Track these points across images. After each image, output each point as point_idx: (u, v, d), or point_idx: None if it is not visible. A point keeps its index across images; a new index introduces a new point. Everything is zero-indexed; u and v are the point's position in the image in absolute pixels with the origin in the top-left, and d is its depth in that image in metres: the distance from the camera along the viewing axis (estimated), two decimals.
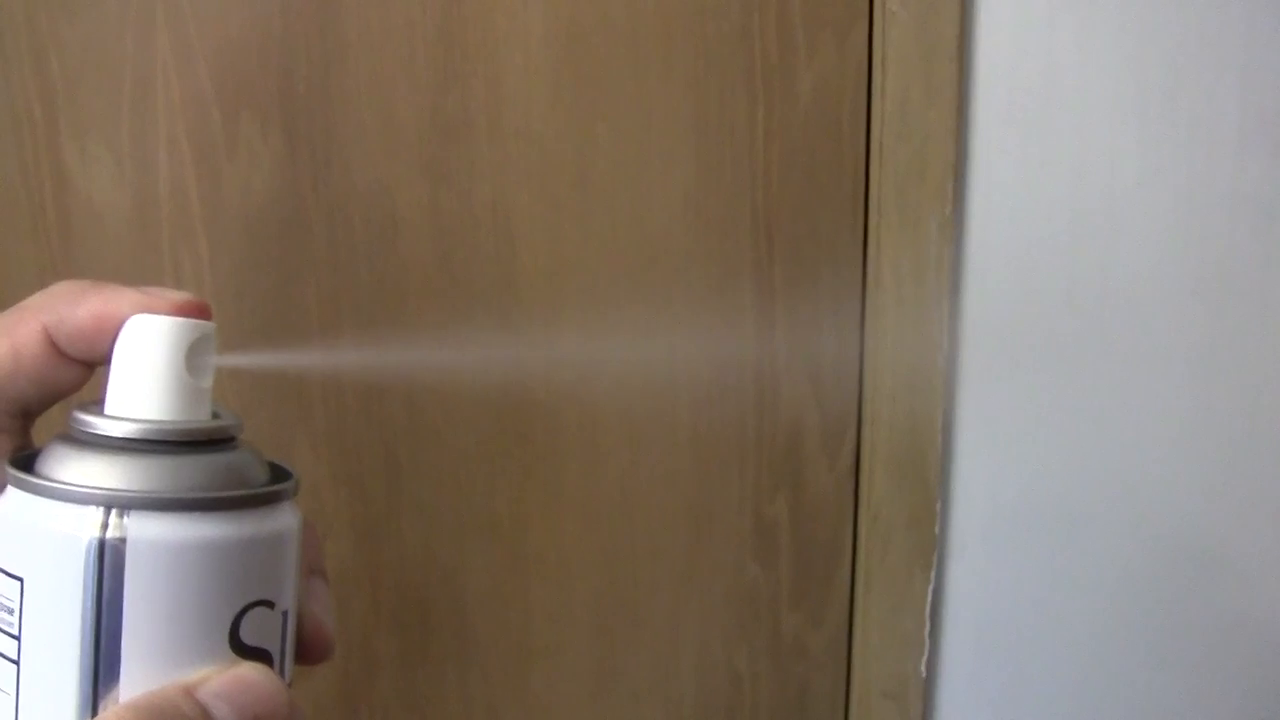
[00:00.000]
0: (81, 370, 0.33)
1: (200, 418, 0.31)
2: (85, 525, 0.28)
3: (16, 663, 0.28)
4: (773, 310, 0.75)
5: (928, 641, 0.79)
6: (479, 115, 0.73)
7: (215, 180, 0.73)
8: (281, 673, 0.31)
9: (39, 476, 0.29)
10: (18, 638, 0.28)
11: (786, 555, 0.78)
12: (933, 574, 0.78)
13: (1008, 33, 0.74)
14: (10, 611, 0.28)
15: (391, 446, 0.75)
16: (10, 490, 0.29)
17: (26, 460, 0.30)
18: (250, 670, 0.29)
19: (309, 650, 0.33)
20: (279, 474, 0.33)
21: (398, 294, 0.73)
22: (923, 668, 0.79)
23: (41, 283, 0.77)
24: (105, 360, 0.31)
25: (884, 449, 0.77)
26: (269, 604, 0.30)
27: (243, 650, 0.29)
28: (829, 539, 0.78)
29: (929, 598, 0.78)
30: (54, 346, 0.32)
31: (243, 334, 0.74)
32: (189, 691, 0.28)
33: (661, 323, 0.75)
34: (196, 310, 0.32)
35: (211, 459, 0.30)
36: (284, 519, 0.31)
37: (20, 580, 0.28)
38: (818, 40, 0.74)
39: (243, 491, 0.30)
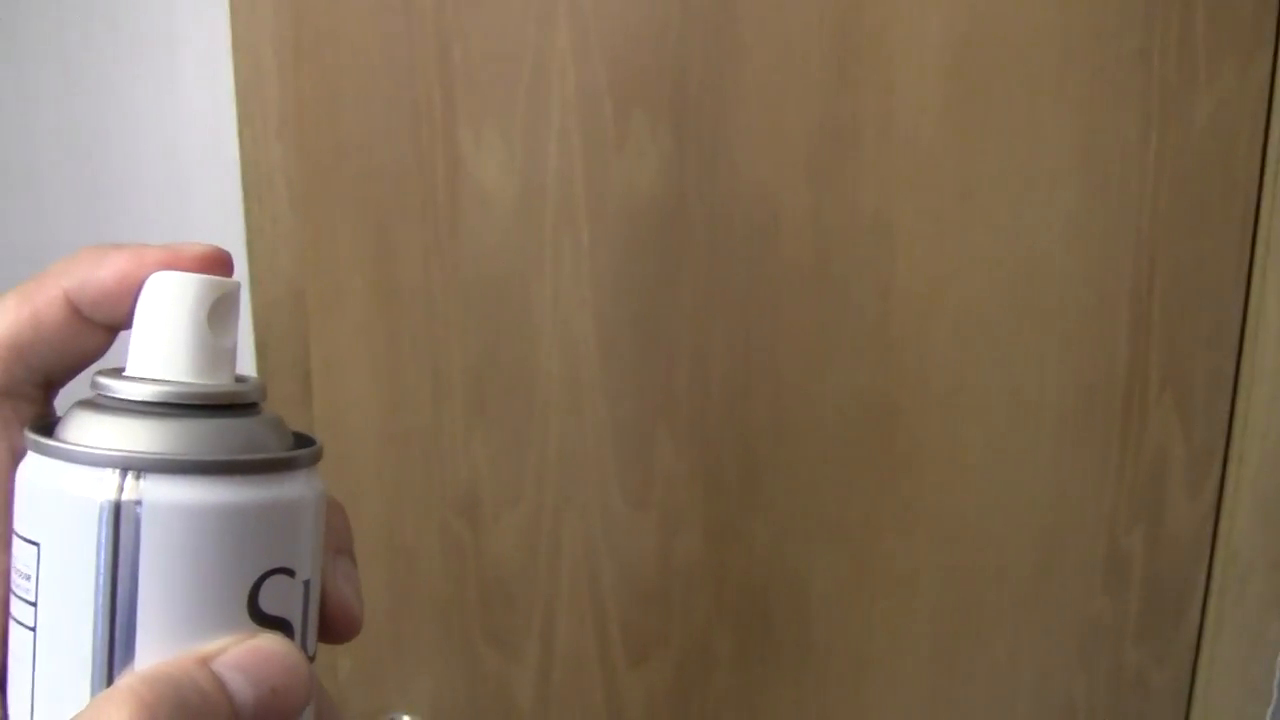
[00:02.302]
0: (105, 335, 0.31)
1: (223, 381, 0.30)
2: (100, 488, 0.27)
3: (34, 629, 0.28)
4: (1148, 338, 0.74)
5: (1276, 692, 0.76)
6: (867, 122, 0.73)
7: (602, 172, 0.74)
8: (303, 645, 0.30)
9: (56, 439, 0.28)
10: (34, 604, 0.28)
11: (1137, 589, 0.76)
12: None
13: None
14: (28, 578, 0.28)
15: (751, 446, 0.75)
16: (30, 455, 0.29)
17: (47, 426, 0.29)
18: (268, 641, 0.28)
19: (334, 628, 0.32)
20: (303, 443, 0.31)
21: (773, 295, 0.74)
22: (1269, 718, 0.76)
23: (426, 263, 0.80)
24: (128, 323, 0.30)
25: (1249, 488, 0.74)
26: (289, 572, 0.29)
27: (262, 619, 0.28)
28: (1183, 576, 0.76)
29: None
30: (76, 311, 0.31)
31: (617, 325, 0.75)
32: (204, 662, 0.27)
33: (1034, 341, 0.74)
34: (219, 262, 0.31)
35: (231, 423, 0.29)
36: (303, 486, 0.30)
37: (37, 545, 0.28)
38: (1219, 65, 0.72)
39: (260, 455, 0.29)
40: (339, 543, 0.33)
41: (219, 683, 0.27)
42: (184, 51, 0.78)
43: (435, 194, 0.75)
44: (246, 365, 0.78)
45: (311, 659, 0.30)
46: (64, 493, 0.27)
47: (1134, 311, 0.74)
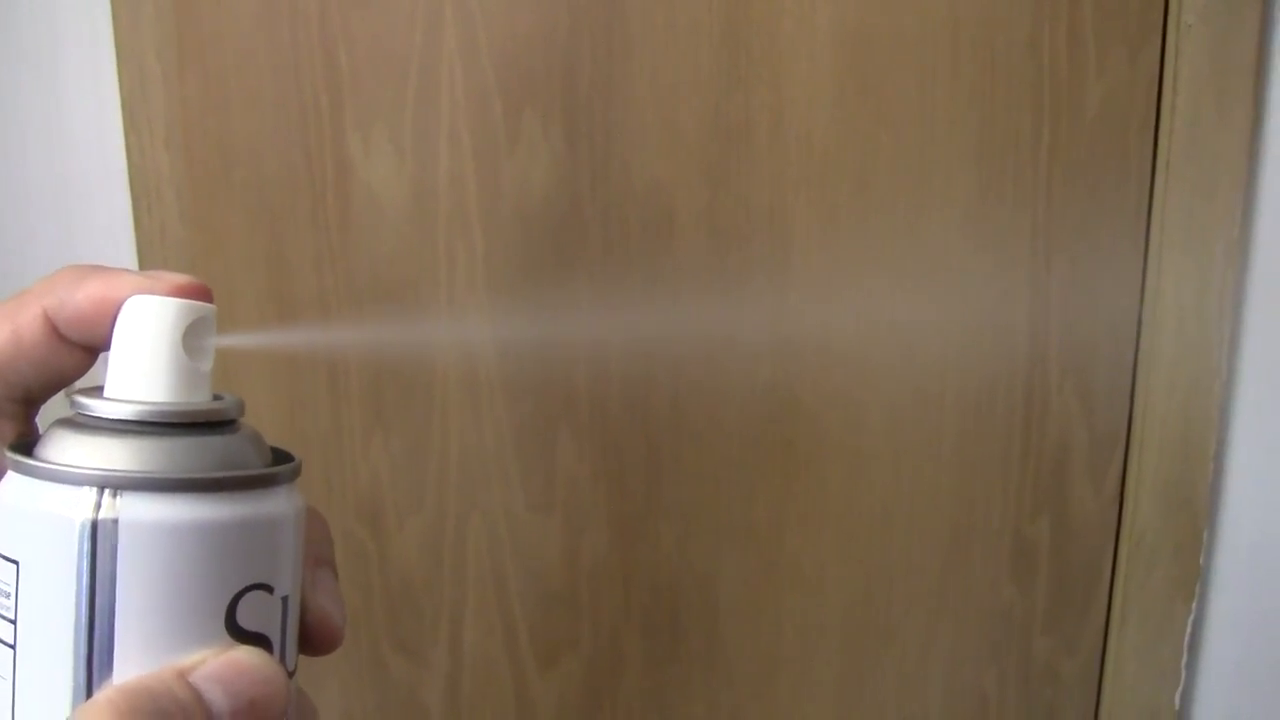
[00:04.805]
0: (83, 355, 0.32)
1: (199, 400, 0.30)
2: (78, 506, 0.27)
3: (13, 647, 0.28)
4: (1046, 327, 0.74)
5: (1184, 674, 0.76)
6: (760, 119, 0.72)
7: (494, 174, 0.73)
8: (282, 659, 0.30)
9: (35, 459, 0.29)
10: (14, 621, 0.28)
11: (1044, 578, 0.76)
12: (1194, 605, 0.75)
13: None
14: (7, 595, 0.28)
15: (654, 446, 0.75)
16: (9, 474, 0.29)
17: (26, 445, 0.30)
18: (245, 654, 0.28)
19: (315, 640, 0.33)
20: (282, 459, 0.32)
21: (671, 293, 0.73)
22: (1177, 700, 0.77)
23: (319, 269, 0.79)
24: (106, 344, 0.31)
25: (1152, 474, 0.75)
26: (267, 588, 0.29)
27: (240, 635, 0.29)
28: (1089, 563, 0.76)
29: (1188, 629, 0.76)
30: (55, 331, 0.31)
31: (514, 326, 0.74)
32: (182, 675, 0.27)
33: (934, 334, 0.74)
34: (196, 292, 0.31)
35: (208, 441, 0.29)
36: (281, 503, 0.30)
37: (16, 564, 0.28)
38: (1108, 54, 0.72)
39: (236, 473, 0.29)
40: (319, 554, 0.33)
41: (196, 695, 0.27)
42: (68, 60, 0.76)
43: (326, 199, 0.74)
44: None
45: (292, 673, 0.31)
46: (43, 511, 0.28)
47: (1032, 301, 0.74)
